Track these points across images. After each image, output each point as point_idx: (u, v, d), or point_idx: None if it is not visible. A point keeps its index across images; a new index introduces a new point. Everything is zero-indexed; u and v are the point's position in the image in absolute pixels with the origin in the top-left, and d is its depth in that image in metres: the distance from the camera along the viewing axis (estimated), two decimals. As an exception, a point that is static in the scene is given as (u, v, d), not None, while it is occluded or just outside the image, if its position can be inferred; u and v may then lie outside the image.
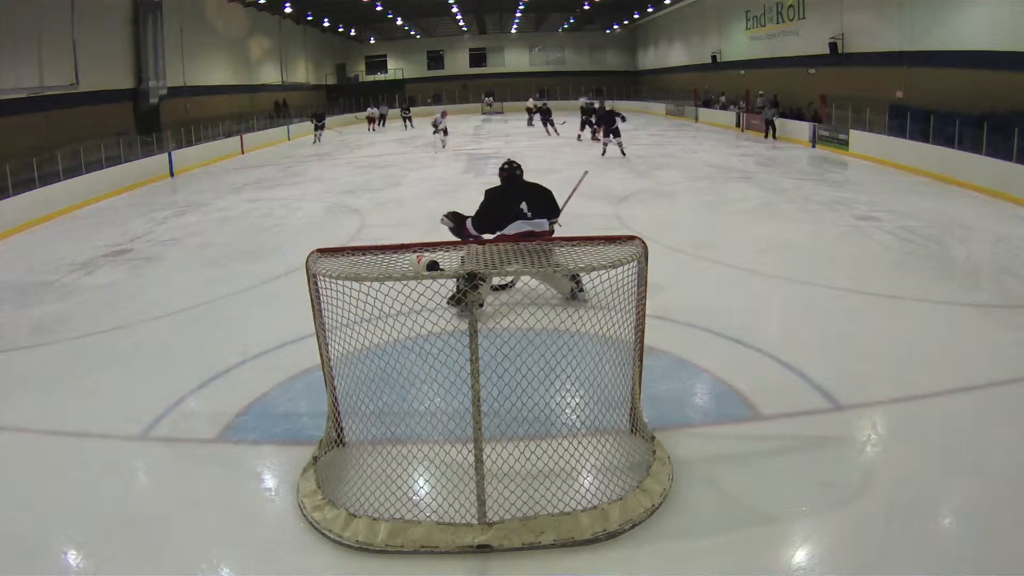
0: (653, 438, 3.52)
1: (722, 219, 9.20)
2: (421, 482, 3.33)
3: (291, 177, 14.98)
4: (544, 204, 5.38)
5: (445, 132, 19.72)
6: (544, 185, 5.54)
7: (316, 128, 23.56)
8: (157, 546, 2.95)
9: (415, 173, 14.56)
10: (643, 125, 24.62)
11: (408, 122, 27.97)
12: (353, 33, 38.02)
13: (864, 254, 7.25)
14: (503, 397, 3.16)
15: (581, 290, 5.31)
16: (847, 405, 3.97)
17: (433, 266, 3.57)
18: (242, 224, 10.04)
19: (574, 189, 6.62)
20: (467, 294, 4.85)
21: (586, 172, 7.24)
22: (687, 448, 3.52)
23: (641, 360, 3.56)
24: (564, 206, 5.91)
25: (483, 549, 2.84)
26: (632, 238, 3.36)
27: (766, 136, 19.17)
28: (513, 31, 40.04)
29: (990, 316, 5.37)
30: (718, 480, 3.28)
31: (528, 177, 5.58)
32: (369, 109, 28.95)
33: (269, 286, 6.77)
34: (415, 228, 8.82)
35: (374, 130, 27.41)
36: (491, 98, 34.77)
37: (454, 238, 5.15)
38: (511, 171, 5.47)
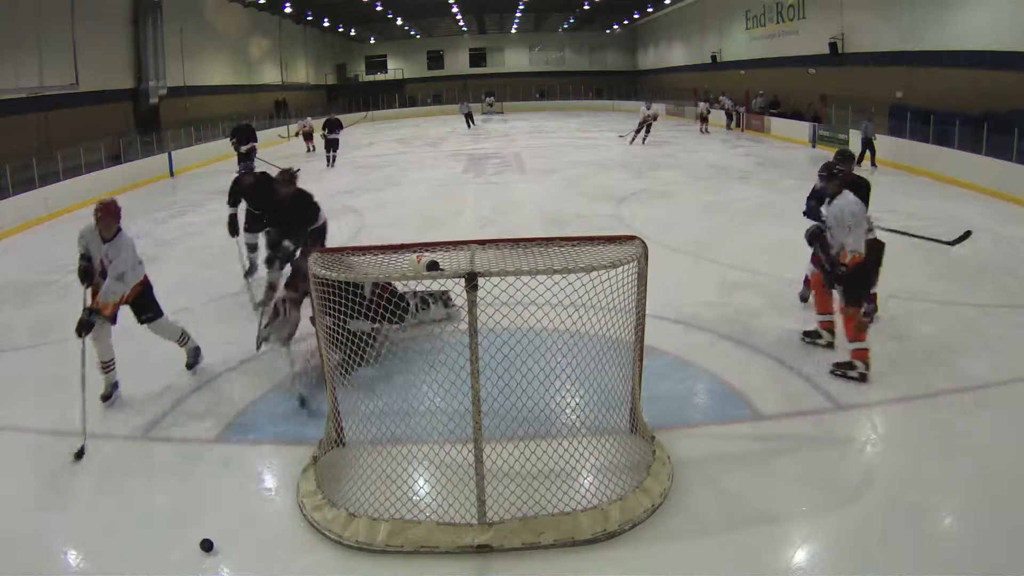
0: (653, 438, 3.52)
1: (722, 219, 9.19)
2: (421, 482, 3.33)
3: (291, 177, 14.94)
4: None
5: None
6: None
7: (241, 157, 12.57)
8: (157, 546, 2.95)
9: (415, 173, 14.54)
10: (643, 125, 24.61)
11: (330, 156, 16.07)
12: (353, 33, 38.03)
13: (864, 254, 7.23)
14: (503, 397, 3.16)
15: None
16: (847, 405, 3.98)
17: (433, 266, 3.57)
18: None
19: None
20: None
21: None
22: (687, 448, 3.52)
23: (641, 360, 3.57)
24: None
25: (483, 549, 2.84)
26: (632, 238, 3.36)
27: (859, 161, 12.37)
28: (513, 31, 40.05)
29: (990, 316, 5.37)
30: (718, 480, 3.28)
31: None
32: (303, 122, 20.51)
33: (269, 286, 6.75)
34: (415, 228, 8.84)
35: (312, 149, 19.12)
36: (492, 98, 34.80)
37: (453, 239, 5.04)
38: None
